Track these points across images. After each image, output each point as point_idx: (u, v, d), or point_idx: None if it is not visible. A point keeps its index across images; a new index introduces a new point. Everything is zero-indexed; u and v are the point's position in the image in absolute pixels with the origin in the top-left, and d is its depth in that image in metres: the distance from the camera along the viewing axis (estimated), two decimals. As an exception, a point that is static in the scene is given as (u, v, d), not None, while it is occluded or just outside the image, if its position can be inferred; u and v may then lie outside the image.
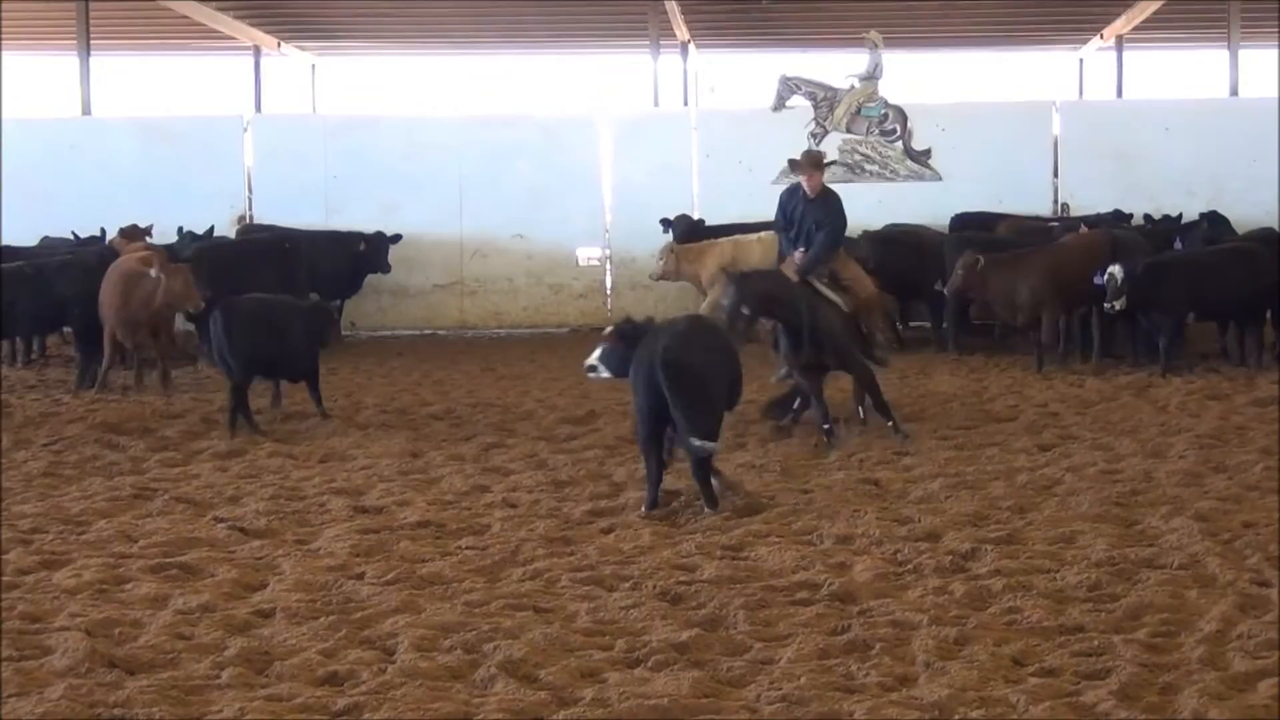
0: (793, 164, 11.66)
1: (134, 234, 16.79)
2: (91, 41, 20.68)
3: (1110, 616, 6.36)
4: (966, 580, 6.96)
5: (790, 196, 11.51)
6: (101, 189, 19.36)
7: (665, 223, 19.01)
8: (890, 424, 10.90)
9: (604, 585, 6.98)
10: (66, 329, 16.02)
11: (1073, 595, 6.72)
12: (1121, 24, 22.48)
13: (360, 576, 7.17)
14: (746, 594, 6.73)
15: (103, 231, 17.49)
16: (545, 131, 20.25)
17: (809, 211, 11.30)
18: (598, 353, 9.01)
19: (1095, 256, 14.50)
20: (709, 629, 6.28)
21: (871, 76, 20.08)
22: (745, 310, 10.66)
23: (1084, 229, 16.56)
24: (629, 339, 8.80)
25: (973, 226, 18.09)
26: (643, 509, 8.55)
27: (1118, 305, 13.77)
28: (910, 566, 7.26)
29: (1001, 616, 6.42)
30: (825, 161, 11.70)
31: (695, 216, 19.33)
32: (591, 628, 6.32)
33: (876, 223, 18.17)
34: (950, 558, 7.35)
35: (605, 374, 8.97)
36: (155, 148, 19.89)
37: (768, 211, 19.27)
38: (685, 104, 21.74)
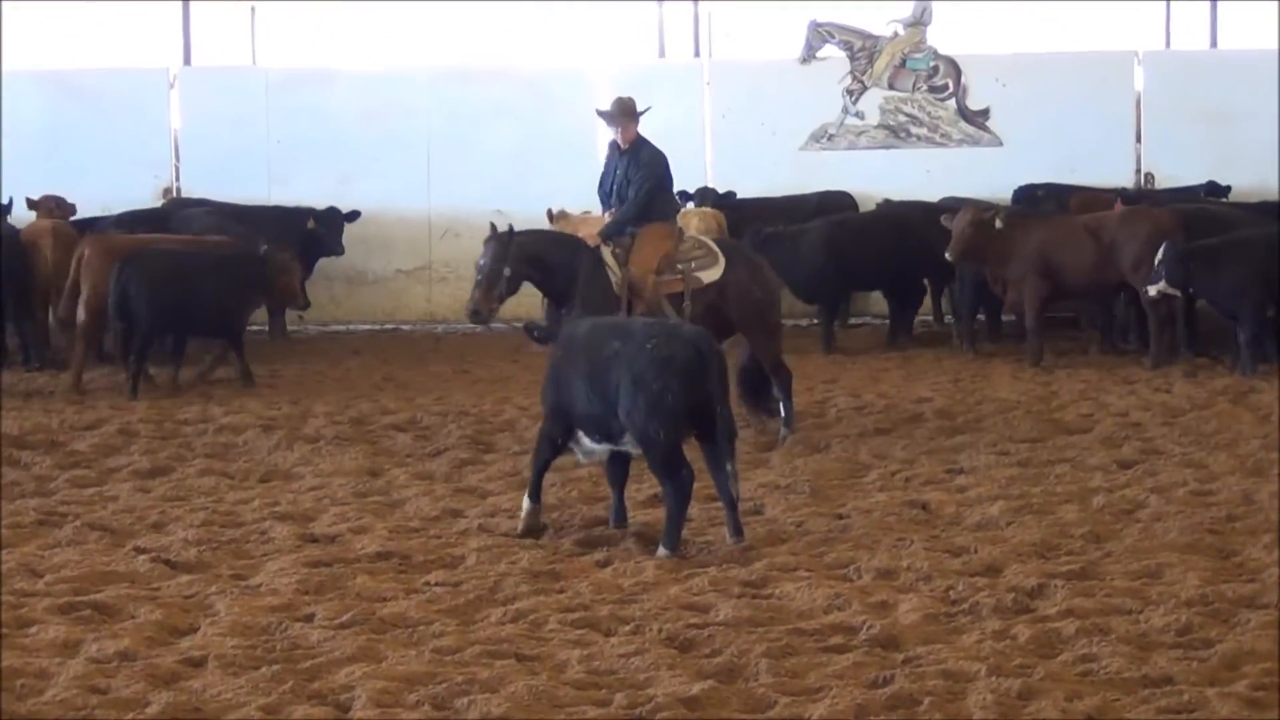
0: (602, 115, 12.17)
1: (46, 206, 16.86)
2: (-10, -17, 20.70)
3: (1203, 666, 6.35)
4: (1032, 622, 6.96)
5: (611, 150, 12.14)
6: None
7: (684, 196, 18.94)
8: None
9: (599, 629, 6.97)
10: None
11: (1158, 640, 6.71)
12: (1217, -41, 22.46)
13: (309, 618, 7.17)
14: (769, 639, 6.72)
15: (9, 202, 17.46)
16: (530, 88, 20.25)
17: (620, 166, 11.93)
18: None
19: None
20: (725, 681, 6.27)
21: (919, 22, 20.08)
22: (506, 272, 11.52)
23: (1118, 205, 16.69)
24: (540, 341, 9.26)
25: (1038, 201, 18.09)
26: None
27: (1152, 291, 14.23)
28: (965, 606, 7.25)
29: (1074, 666, 6.41)
30: (639, 110, 12.07)
31: (710, 186, 19.28)
32: (585, 679, 6.31)
33: (928, 195, 18.17)
34: (1013, 596, 7.35)
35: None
36: (64, 106, 19.89)
37: (794, 181, 19.48)
38: (696, 55, 21.73)
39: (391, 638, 6.87)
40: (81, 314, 14.44)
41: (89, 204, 17.76)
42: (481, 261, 11.85)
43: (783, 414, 11.68)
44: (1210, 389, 13.46)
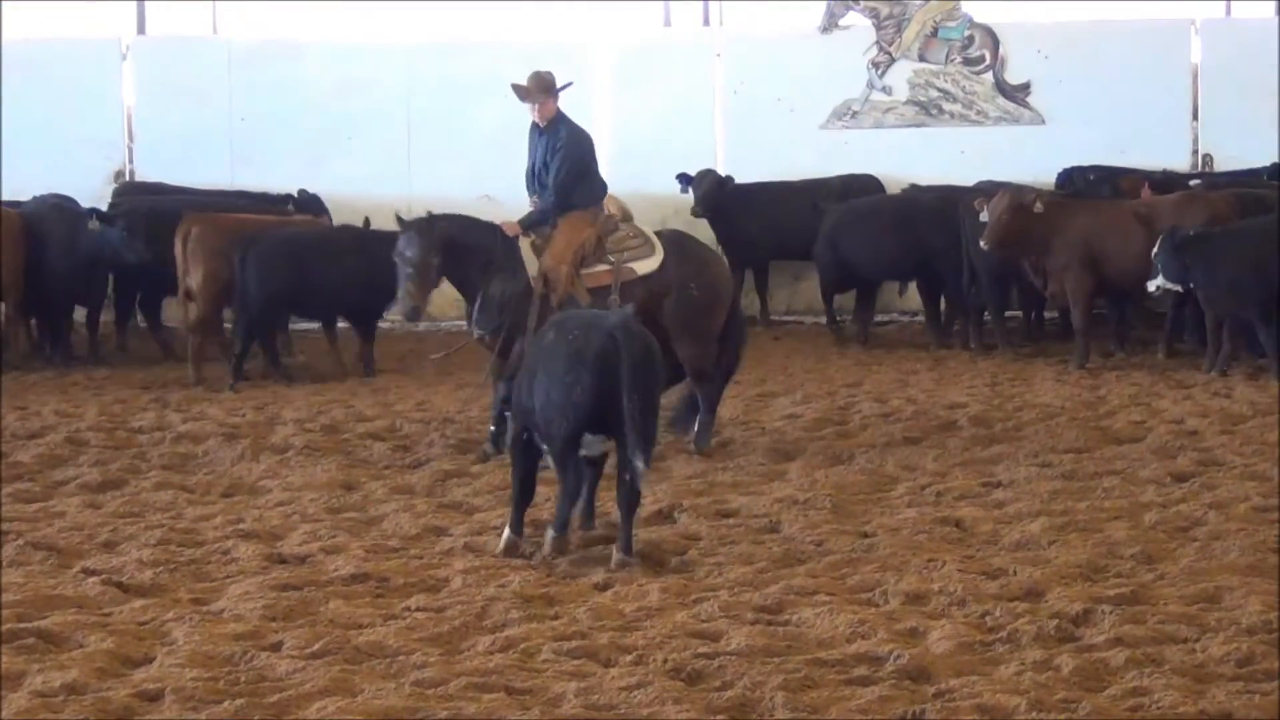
0: (517, 90, 12.21)
1: None
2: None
3: (1266, 700, 6.36)
4: (1077, 652, 6.97)
5: (531, 131, 12.26)
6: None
7: (684, 179, 18.99)
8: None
9: (598, 659, 6.99)
10: None
11: (1217, 672, 6.72)
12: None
13: (276, 647, 7.18)
14: (786, 670, 6.73)
15: None
16: (522, 62, 20.15)
17: (539, 148, 12.10)
18: None
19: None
20: (737, 717, 6.28)
21: (952, -14, 20.14)
22: (435, 260, 11.72)
23: (1145, 192, 16.77)
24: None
25: (1091, 184, 18.11)
26: (551, 534, 8.85)
27: (1151, 287, 14.49)
28: (1003, 634, 7.26)
29: (1123, 700, 6.42)
30: (558, 86, 12.15)
31: (712, 169, 19.29)
32: (582, 715, 6.33)
33: (962, 178, 18.18)
34: (1056, 623, 7.36)
35: None
36: (4, 80, 19.89)
37: (814, 163, 19.50)
38: (705, 24, 21.75)
39: (368, 669, 6.88)
40: (202, 301, 15.11)
41: (32, 188, 17.74)
42: (407, 253, 11.80)
43: (695, 428, 11.69)
44: (1274, 393, 13.46)
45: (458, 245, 11.85)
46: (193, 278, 15.12)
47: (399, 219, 12.05)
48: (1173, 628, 7.26)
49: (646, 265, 11.87)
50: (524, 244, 11.90)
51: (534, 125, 12.19)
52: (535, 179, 12.14)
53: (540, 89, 12.06)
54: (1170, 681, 6.55)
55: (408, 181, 19.92)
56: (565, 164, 11.93)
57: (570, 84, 12.22)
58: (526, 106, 12.17)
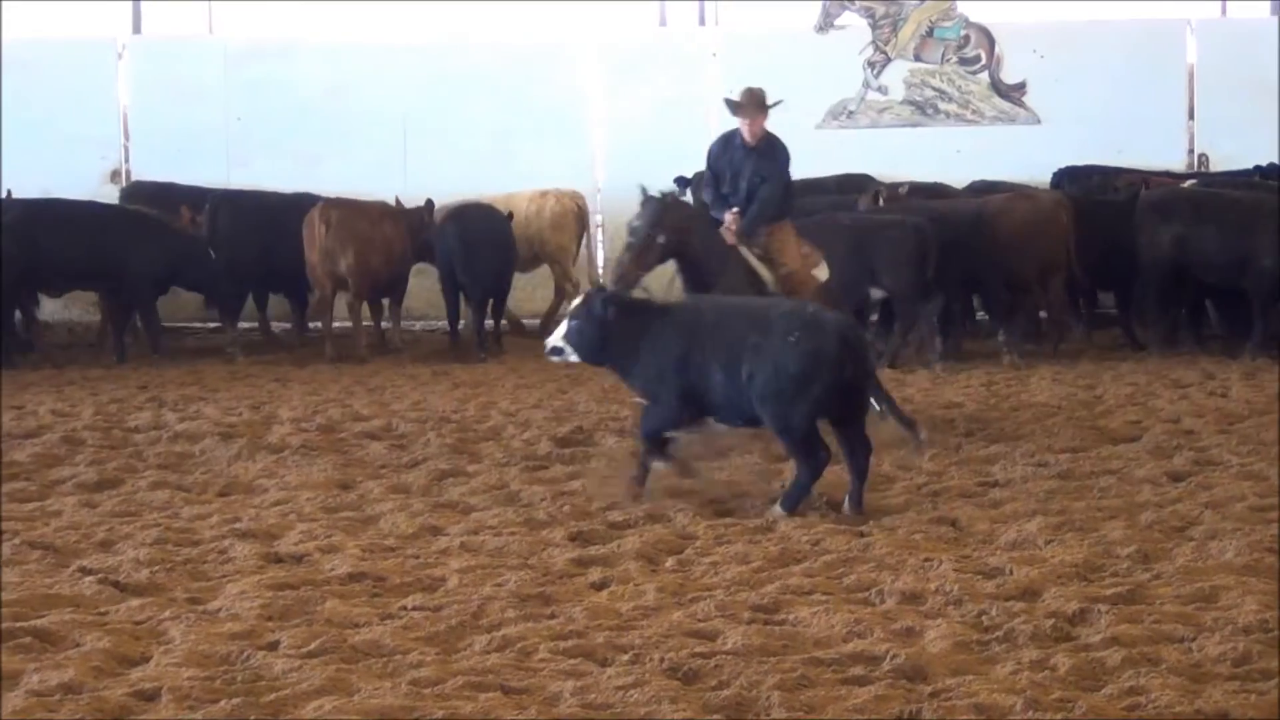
0: (731, 105, 12.38)
1: None
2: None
3: (1263, 700, 6.36)
4: (1074, 651, 6.97)
5: (724, 147, 12.40)
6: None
7: (682, 182, 18.96)
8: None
9: (595, 658, 6.98)
10: None
11: (1213, 671, 6.72)
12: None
13: (273, 646, 7.17)
14: (783, 670, 6.73)
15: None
16: (515, 61, 20.28)
17: (748, 163, 12.22)
18: (563, 329, 10.06)
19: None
20: (733, 716, 6.28)
21: (947, -14, 20.15)
22: (661, 240, 11.82)
23: (1147, 187, 16.89)
24: (614, 313, 9.86)
25: (1082, 183, 18.14)
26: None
27: None
28: (999, 633, 7.26)
29: (1120, 699, 6.42)
30: (769, 103, 12.33)
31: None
32: (579, 714, 6.32)
33: (954, 179, 18.20)
34: (1052, 622, 7.36)
35: (573, 357, 10.06)
36: (5, 79, 19.89)
37: (809, 163, 19.49)
38: (701, 24, 21.77)
39: (364, 668, 6.87)
40: (356, 281, 16.81)
41: (27, 188, 17.74)
42: (635, 224, 12.05)
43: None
44: (1270, 393, 13.48)
45: (688, 230, 12.01)
46: (343, 261, 16.77)
47: (643, 191, 12.18)
48: (1169, 627, 7.26)
49: (823, 272, 12.44)
50: (746, 254, 12.08)
51: (728, 138, 12.39)
52: (739, 189, 12.24)
53: (754, 105, 12.25)
54: (1167, 681, 6.55)
55: (402, 181, 19.91)
56: (783, 178, 12.31)
57: (781, 101, 12.35)
58: (739, 121, 12.35)
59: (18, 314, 17.01)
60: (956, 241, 15.68)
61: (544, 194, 18.31)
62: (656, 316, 9.91)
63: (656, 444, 9.90)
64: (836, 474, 10.62)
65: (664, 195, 12.18)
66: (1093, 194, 18.03)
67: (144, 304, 16.92)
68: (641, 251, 11.87)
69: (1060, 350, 16.50)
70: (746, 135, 12.27)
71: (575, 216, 18.78)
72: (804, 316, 9.72)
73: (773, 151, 12.31)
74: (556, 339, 10.07)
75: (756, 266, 12.04)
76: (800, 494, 9.64)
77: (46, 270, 16.38)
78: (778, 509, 9.54)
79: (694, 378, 9.68)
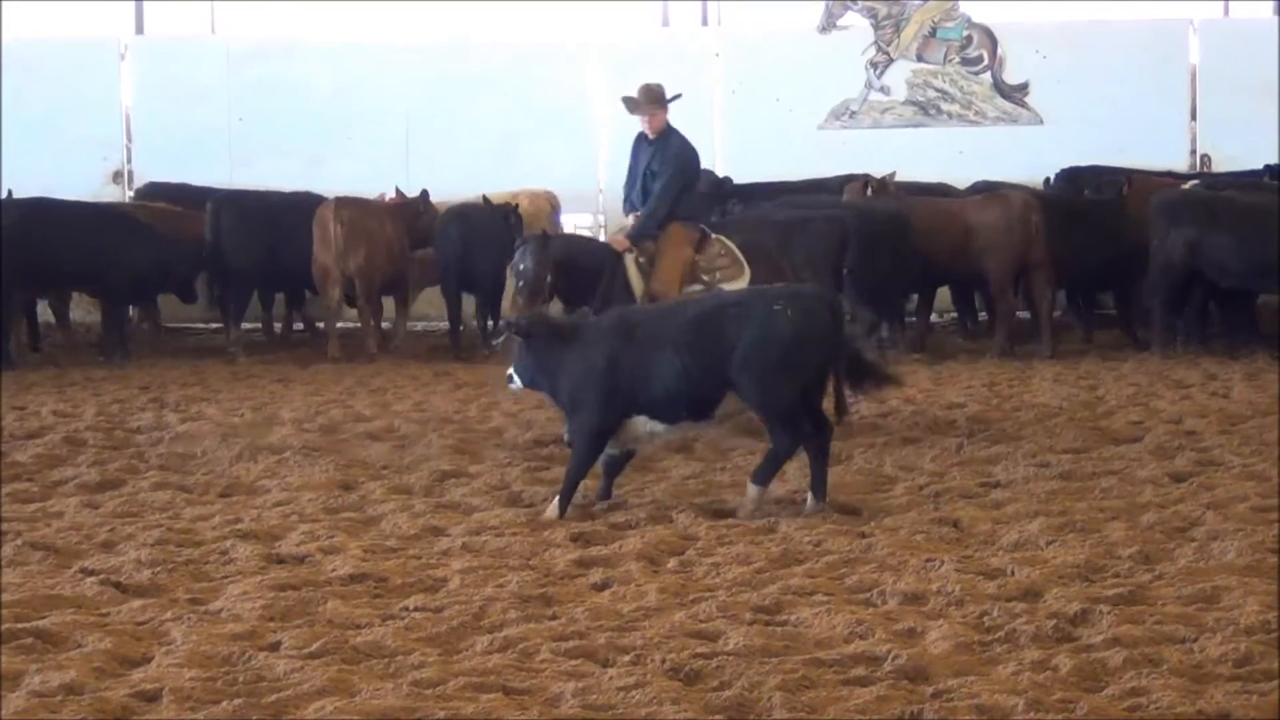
0: (629, 103, 12.48)
1: None
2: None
3: (1265, 701, 6.36)
4: (1075, 652, 6.97)
5: (635, 145, 12.53)
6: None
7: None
8: None
9: (596, 659, 6.98)
10: None
11: (1215, 672, 6.72)
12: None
13: (275, 647, 7.17)
14: (784, 670, 6.73)
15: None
16: (518, 61, 20.29)
17: (651, 159, 12.32)
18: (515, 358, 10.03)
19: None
20: (735, 716, 6.28)
21: (950, -13, 20.16)
22: (549, 279, 12.03)
23: (1130, 186, 16.93)
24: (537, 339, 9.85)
25: (1085, 184, 18.14)
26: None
27: None
28: (1001, 634, 7.26)
29: (1121, 700, 6.42)
30: (668, 97, 12.44)
31: (709, 169, 19.27)
32: (580, 715, 6.32)
33: (957, 179, 18.20)
34: (1054, 623, 7.35)
35: (516, 384, 10.05)
36: (3, 80, 19.90)
37: (812, 163, 19.53)
38: (704, 24, 21.77)
39: (366, 669, 6.87)
40: (363, 279, 16.85)
41: (29, 188, 17.75)
42: (521, 266, 12.06)
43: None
44: (1272, 393, 13.47)
45: (572, 265, 12.12)
46: (353, 260, 16.76)
47: (517, 234, 12.34)
48: (1171, 628, 7.26)
49: (737, 286, 12.05)
50: (629, 262, 12.12)
51: (640, 137, 12.48)
52: (638, 188, 12.34)
53: (650, 101, 12.35)
54: (1168, 682, 6.54)
55: (405, 181, 19.91)
56: (675, 173, 12.21)
57: (680, 95, 12.45)
58: (635, 117, 12.46)
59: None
60: (931, 238, 15.74)
61: (515, 195, 18.24)
62: (578, 328, 9.99)
63: (584, 468, 9.79)
64: (838, 475, 10.64)
65: (542, 234, 12.45)
66: (1067, 193, 18.06)
67: (117, 305, 16.88)
68: (533, 293, 11.97)
69: (1061, 350, 16.50)
70: (647, 130, 12.35)
71: (548, 217, 18.73)
72: (791, 290, 9.97)
73: (667, 145, 12.30)
74: (510, 368, 10.08)
75: (633, 279, 12.07)
76: (774, 466, 9.75)
77: (38, 269, 16.28)
78: (752, 487, 9.66)
79: (621, 379, 9.64)
